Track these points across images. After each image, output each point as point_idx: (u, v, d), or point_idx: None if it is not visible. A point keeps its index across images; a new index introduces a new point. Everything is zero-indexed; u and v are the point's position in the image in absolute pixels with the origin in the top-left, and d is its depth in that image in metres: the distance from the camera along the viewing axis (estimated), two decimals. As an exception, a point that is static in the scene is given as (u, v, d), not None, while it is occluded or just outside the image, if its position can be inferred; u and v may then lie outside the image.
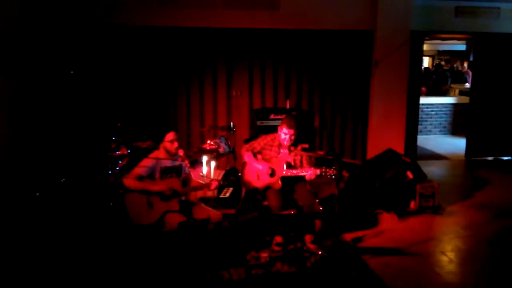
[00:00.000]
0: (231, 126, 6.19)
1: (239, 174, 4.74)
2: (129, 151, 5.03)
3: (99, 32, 6.45)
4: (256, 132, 6.54)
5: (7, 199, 4.80)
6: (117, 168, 4.96)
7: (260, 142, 4.59)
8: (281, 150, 4.50)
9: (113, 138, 5.10)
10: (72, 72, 5.87)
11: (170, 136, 4.20)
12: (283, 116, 6.47)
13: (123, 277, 3.74)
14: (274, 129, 4.74)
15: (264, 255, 4.16)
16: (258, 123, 6.57)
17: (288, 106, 6.93)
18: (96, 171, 5.37)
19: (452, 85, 11.92)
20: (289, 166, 4.45)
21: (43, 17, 6.07)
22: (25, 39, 5.72)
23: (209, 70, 6.91)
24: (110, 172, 4.98)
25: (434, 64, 13.17)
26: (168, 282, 3.71)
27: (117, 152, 4.87)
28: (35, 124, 5.93)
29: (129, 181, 4.02)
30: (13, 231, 4.39)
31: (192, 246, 3.88)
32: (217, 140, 5.76)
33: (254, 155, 4.56)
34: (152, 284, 3.68)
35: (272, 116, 6.61)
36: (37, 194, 4.95)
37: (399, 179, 5.41)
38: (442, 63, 12.85)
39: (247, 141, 6.45)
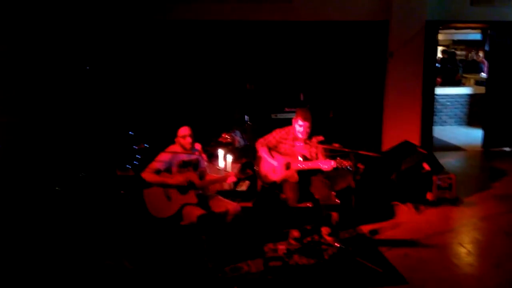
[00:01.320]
0: (246, 119, 6.21)
1: (255, 167, 4.76)
2: (146, 145, 5.06)
3: (118, 26, 6.50)
4: (270, 124, 6.55)
5: (26, 193, 4.88)
6: (136, 162, 5.01)
7: (275, 135, 4.59)
8: (296, 143, 4.50)
9: (131, 133, 5.15)
10: (88, 67, 5.91)
11: (182, 131, 4.23)
12: (297, 109, 6.51)
13: (140, 268, 3.80)
14: (288, 122, 4.73)
15: (282, 247, 4.19)
16: (272, 115, 6.59)
17: (302, 99, 6.92)
18: (115, 166, 5.42)
19: (466, 75, 11.76)
20: (305, 159, 4.45)
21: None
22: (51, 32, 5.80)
23: (223, 63, 6.93)
24: (128, 166, 5.03)
25: (449, 51, 12.97)
26: (187, 273, 3.76)
27: (135, 147, 4.91)
28: (55, 118, 6.01)
29: (146, 175, 4.08)
30: (30, 224, 4.47)
31: (211, 238, 3.92)
32: (232, 134, 5.80)
33: (269, 149, 4.56)
34: (172, 276, 3.74)
35: (286, 109, 6.62)
36: (57, 188, 5.02)
37: (416, 171, 5.38)
38: (458, 52, 12.65)
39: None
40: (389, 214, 5.11)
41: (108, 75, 6.49)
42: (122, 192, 4.91)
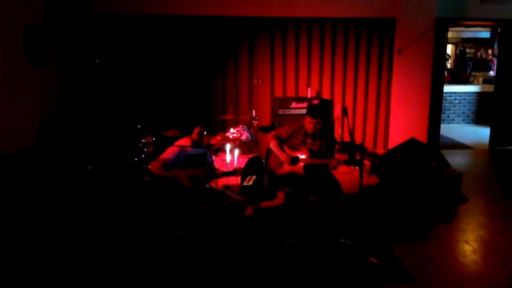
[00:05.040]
0: (253, 114, 6.23)
1: (263, 161, 4.79)
2: (154, 139, 5.10)
3: (123, 22, 6.54)
4: (278, 120, 6.58)
5: (37, 184, 4.92)
6: (143, 155, 5.05)
7: (288, 130, 4.65)
8: (306, 139, 4.55)
9: (139, 127, 5.19)
10: (97, 61, 5.94)
11: (197, 129, 4.32)
12: (304, 105, 6.54)
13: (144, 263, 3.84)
14: (295, 118, 4.78)
15: (287, 242, 4.21)
16: (280, 111, 6.62)
17: (309, 95, 6.93)
18: (123, 159, 5.45)
19: (475, 73, 11.72)
20: (313, 154, 4.48)
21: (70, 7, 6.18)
22: (55, 29, 5.82)
23: (231, 59, 6.95)
24: (136, 159, 5.06)
25: (457, 51, 12.93)
26: (197, 268, 3.80)
27: (143, 140, 4.95)
28: (66, 112, 6.05)
29: (154, 168, 4.12)
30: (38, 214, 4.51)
31: (218, 232, 3.95)
32: (240, 128, 5.82)
33: (281, 143, 4.61)
34: (182, 272, 3.78)
35: (293, 105, 6.64)
36: (67, 178, 5.03)
37: (422, 168, 5.38)
38: (467, 50, 12.63)
39: (264, 129, 6.49)
40: (396, 211, 5.12)
41: (116, 69, 6.53)
42: (130, 183, 4.95)
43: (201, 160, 4.34)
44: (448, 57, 12.26)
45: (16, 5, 4.85)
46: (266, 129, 6.45)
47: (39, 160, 4.93)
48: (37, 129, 5.24)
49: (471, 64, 11.76)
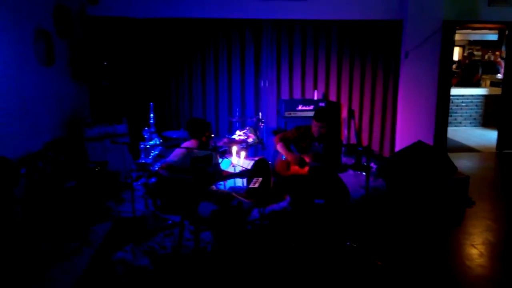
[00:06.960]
0: (260, 117, 6.26)
1: (269, 163, 4.80)
2: (161, 141, 5.13)
3: (131, 26, 6.59)
4: (284, 122, 6.60)
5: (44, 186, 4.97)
6: (150, 157, 5.09)
7: (294, 132, 4.66)
8: (313, 142, 4.55)
9: (145, 129, 5.22)
10: (105, 63, 5.99)
11: (207, 132, 4.35)
12: (310, 107, 6.55)
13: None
14: (301, 120, 4.78)
15: (293, 245, 4.22)
16: (286, 114, 6.63)
17: (315, 97, 6.94)
18: (131, 160, 5.50)
19: (483, 76, 11.66)
20: (319, 157, 4.49)
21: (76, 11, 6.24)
22: (65, 31, 5.87)
23: (238, 61, 6.97)
24: (142, 161, 5.10)
25: (465, 54, 12.90)
26: (203, 268, 3.82)
27: (150, 142, 4.99)
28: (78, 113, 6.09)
29: (162, 170, 4.14)
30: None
31: (224, 233, 3.96)
32: (246, 131, 5.84)
33: (287, 143, 4.61)
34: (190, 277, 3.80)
35: (299, 107, 6.65)
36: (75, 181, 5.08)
37: (429, 171, 5.36)
38: (475, 52, 12.59)
39: (274, 132, 6.51)
40: (404, 214, 5.11)
41: (124, 71, 6.58)
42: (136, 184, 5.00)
43: (207, 162, 4.35)
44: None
45: (26, 7, 4.90)
46: (276, 132, 6.48)
47: (48, 162, 4.98)
48: (47, 131, 5.28)
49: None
